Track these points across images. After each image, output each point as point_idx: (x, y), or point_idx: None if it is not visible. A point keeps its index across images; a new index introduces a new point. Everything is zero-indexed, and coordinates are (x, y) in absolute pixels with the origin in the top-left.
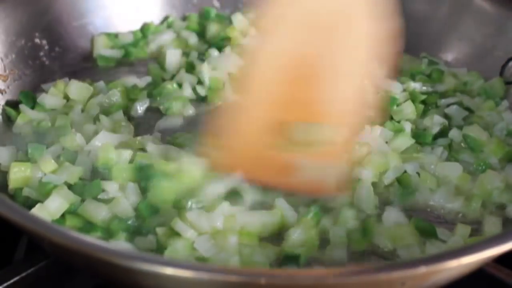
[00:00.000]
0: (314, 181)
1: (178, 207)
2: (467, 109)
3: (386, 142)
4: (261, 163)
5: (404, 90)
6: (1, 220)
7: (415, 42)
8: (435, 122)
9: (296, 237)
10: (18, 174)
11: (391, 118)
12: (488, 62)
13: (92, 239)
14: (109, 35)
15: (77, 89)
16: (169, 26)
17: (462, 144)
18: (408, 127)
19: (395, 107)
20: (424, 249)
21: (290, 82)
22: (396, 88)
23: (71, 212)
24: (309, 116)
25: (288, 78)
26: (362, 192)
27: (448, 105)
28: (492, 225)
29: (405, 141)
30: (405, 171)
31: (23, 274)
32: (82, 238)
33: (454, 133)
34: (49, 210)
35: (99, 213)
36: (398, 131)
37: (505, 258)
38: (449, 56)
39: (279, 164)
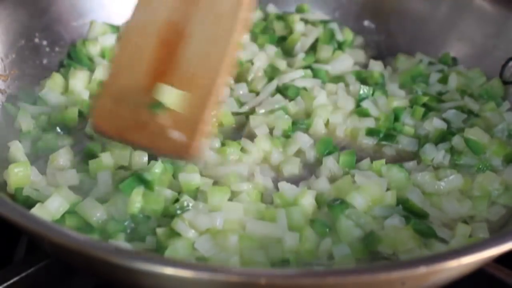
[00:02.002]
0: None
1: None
2: (468, 111)
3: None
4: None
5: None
6: (1, 220)
7: (413, 42)
8: (435, 125)
9: (290, 243)
10: (19, 174)
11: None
12: (488, 62)
13: (92, 239)
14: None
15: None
16: None
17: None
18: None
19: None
20: (425, 252)
21: (159, 48)
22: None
23: (70, 212)
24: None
25: (158, 44)
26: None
27: (447, 109)
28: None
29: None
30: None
31: (23, 274)
32: (82, 238)
33: (456, 140)
34: (49, 210)
35: (94, 212)
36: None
37: (505, 258)
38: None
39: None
